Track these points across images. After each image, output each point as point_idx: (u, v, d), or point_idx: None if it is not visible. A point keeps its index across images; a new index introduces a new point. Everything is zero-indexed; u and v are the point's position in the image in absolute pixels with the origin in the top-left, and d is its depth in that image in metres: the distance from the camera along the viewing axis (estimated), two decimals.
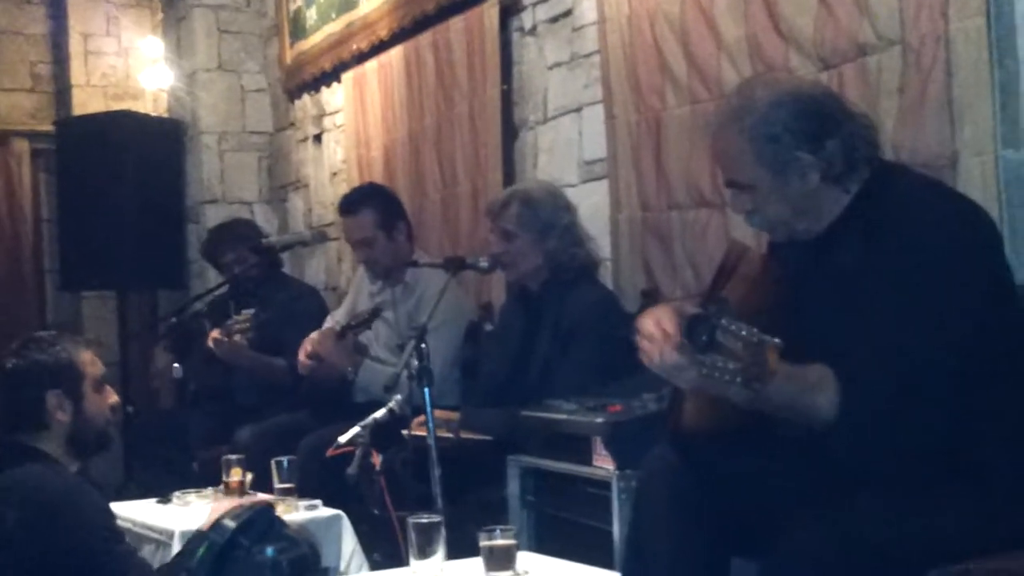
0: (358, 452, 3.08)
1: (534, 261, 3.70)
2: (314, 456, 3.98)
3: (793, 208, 2.37)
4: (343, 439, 3.25)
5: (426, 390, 3.11)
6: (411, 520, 2.60)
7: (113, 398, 3.02)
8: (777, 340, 2.01)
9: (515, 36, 4.54)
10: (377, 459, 3.17)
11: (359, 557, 3.58)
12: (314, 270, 6.20)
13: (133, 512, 3.65)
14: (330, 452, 3.25)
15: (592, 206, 4.02)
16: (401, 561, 3.21)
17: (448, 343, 4.15)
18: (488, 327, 4.53)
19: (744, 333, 2.00)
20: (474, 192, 4.70)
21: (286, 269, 5.53)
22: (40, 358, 2.87)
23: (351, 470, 3.01)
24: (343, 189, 5.86)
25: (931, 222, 2.24)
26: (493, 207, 3.79)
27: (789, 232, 2.43)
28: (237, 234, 5.23)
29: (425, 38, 5.00)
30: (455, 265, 3.64)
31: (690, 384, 2.23)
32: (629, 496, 2.92)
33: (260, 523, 1.61)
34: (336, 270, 6.03)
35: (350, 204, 4.49)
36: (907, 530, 2.17)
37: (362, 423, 3.25)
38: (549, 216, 3.69)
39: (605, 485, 2.98)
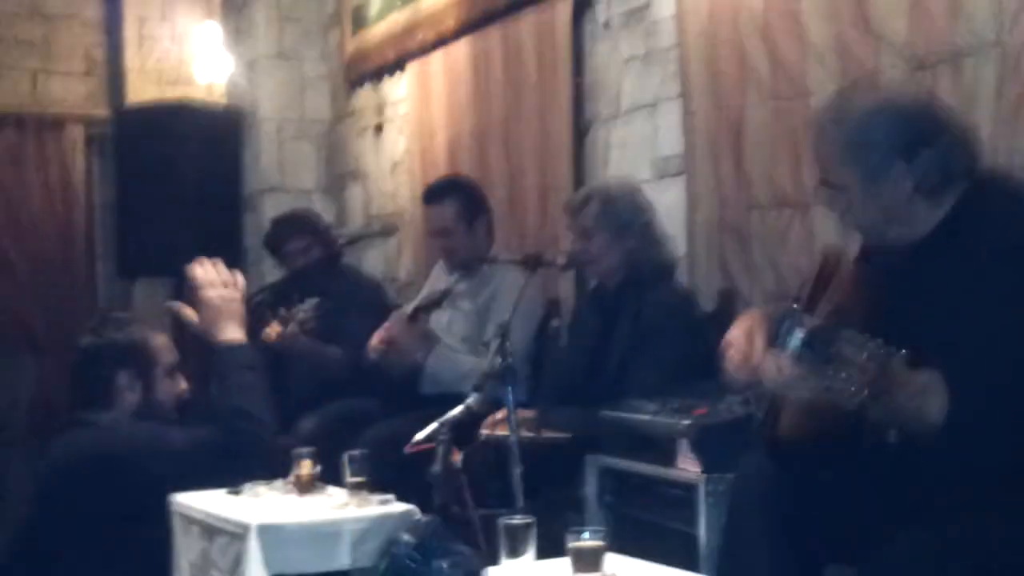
0: (440, 450, 3.06)
1: (612, 260, 3.68)
2: (382, 448, 3.97)
3: (885, 214, 2.37)
4: (420, 436, 3.24)
5: (509, 388, 3.09)
6: (502, 521, 2.58)
7: (183, 386, 3.01)
8: (904, 351, 1.99)
9: (588, 29, 4.50)
10: (457, 456, 3.15)
11: None
12: (372, 260, 6.19)
13: (203, 503, 3.63)
14: (408, 449, 3.23)
15: (666, 204, 3.98)
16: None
17: (522, 340, 4.13)
18: (555, 323, 4.51)
19: (870, 344, 1.97)
20: (542, 188, 4.67)
21: (345, 259, 5.52)
22: (115, 337, 2.87)
23: (435, 468, 2.99)
24: (404, 180, 5.86)
25: None
26: (572, 205, 3.78)
27: (880, 237, 2.42)
28: (302, 223, 5.22)
29: (494, 31, 4.97)
30: (533, 262, 3.62)
31: (803, 395, 2.21)
32: (716, 500, 2.91)
33: (433, 537, 1.60)
34: (395, 261, 6.02)
35: (434, 194, 4.51)
36: (1006, 544, 2.15)
37: (440, 419, 3.24)
38: (628, 215, 3.67)
39: (690, 488, 2.96)
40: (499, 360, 3.10)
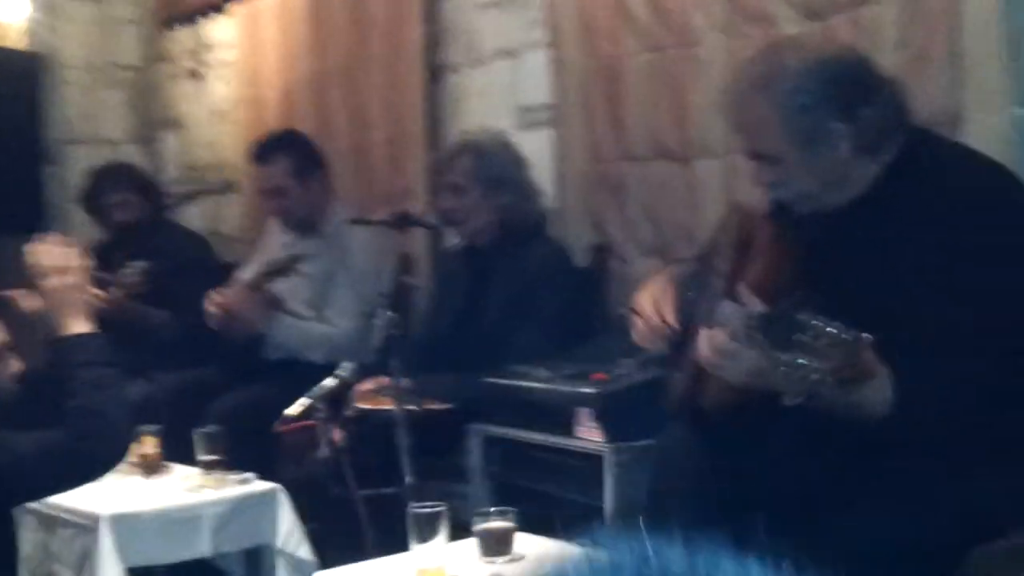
0: (323, 430, 2.80)
1: (485, 217, 3.47)
2: (233, 423, 3.68)
3: (821, 180, 2.24)
4: (292, 411, 2.97)
5: (396, 360, 2.86)
6: (411, 510, 2.37)
7: (16, 367, 2.67)
8: (867, 335, 1.84)
9: None
10: (337, 435, 2.91)
11: (297, 532, 3.30)
12: (191, 215, 5.79)
13: None
14: (281, 427, 2.96)
15: (531, 155, 3.78)
16: (349, 533, 2.98)
17: (366, 299, 3.88)
18: (406, 280, 4.27)
19: (833, 330, 1.82)
20: (391, 139, 4.40)
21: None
22: None
23: (323, 453, 2.73)
24: (228, 130, 5.49)
25: (972, 197, 2.16)
26: (441, 160, 3.56)
27: (814, 205, 2.30)
28: (124, 176, 4.82)
29: None
30: (403, 222, 3.38)
31: (740, 376, 2.06)
32: (621, 470, 2.77)
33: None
34: (217, 215, 5.65)
35: (263, 151, 4.18)
36: (948, 509, 2.08)
37: (311, 394, 2.98)
38: (501, 169, 3.47)
39: (592, 458, 2.80)
40: (384, 331, 2.86)
